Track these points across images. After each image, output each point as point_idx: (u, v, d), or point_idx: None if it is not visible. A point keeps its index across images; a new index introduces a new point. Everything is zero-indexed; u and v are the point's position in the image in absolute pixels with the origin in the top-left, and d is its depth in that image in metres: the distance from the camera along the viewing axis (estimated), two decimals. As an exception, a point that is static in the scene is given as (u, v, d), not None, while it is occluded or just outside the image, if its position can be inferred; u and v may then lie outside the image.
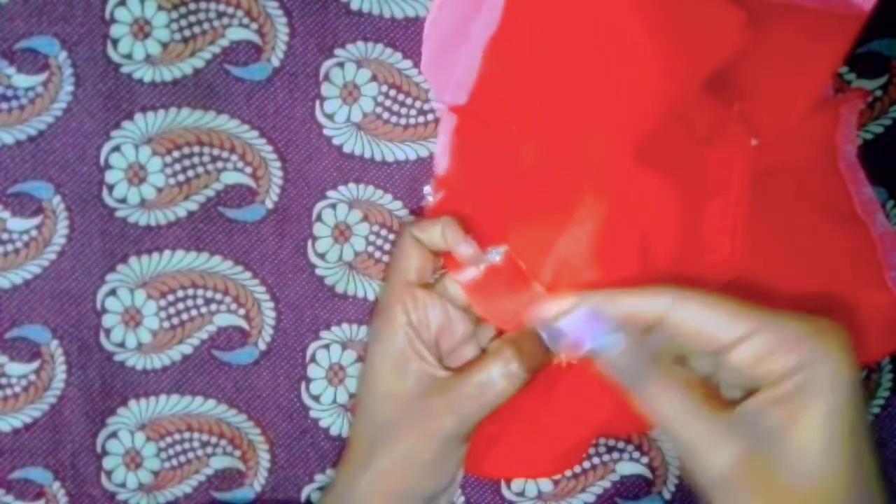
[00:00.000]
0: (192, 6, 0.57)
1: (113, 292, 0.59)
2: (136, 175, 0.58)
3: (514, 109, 0.46)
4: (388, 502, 0.41)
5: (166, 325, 0.59)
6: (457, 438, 0.41)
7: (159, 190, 0.58)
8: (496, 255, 0.42)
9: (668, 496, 0.60)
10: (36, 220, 0.58)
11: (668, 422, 0.40)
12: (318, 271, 0.59)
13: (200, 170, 0.58)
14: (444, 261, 0.46)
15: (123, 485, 0.59)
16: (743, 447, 0.38)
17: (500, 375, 0.40)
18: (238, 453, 0.60)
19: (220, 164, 0.58)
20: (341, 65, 0.58)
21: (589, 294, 0.41)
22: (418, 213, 0.42)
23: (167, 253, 0.58)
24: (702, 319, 0.40)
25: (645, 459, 0.60)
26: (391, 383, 0.42)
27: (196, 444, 0.60)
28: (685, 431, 0.39)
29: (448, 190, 0.48)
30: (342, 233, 0.59)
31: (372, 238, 0.59)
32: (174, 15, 0.57)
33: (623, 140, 0.43)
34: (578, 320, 0.40)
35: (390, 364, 0.42)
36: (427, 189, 0.42)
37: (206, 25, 0.57)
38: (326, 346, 0.59)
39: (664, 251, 0.45)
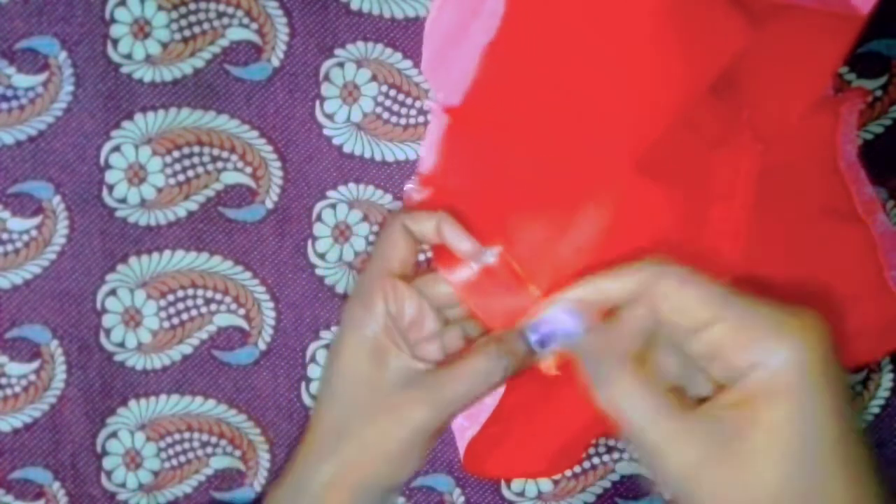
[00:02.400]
0: (192, 6, 0.57)
1: (113, 292, 0.59)
2: (136, 175, 0.58)
3: (512, 113, 0.46)
4: (350, 491, 0.40)
5: (166, 325, 0.59)
6: (429, 431, 0.40)
7: (159, 190, 0.58)
8: (491, 256, 0.42)
9: (668, 496, 0.60)
10: (36, 220, 0.58)
11: (631, 422, 0.38)
12: (318, 271, 0.59)
13: (200, 170, 0.58)
14: (434, 258, 0.46)
15: (123, 485, 0.59)
16: (700, 450, 0.36)
17: (483, 371, 0.39)
18: (238, 453, 0.60)
19: (220, 164, 0.58)
20: (341, 65, 0.58)
21: (572, 288, 0.40)
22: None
23: (167, 253, 0.58)
24: (679, 295, 0.38)
25: (645, 459, 0.60)
26: (366, 370, 0.40)
27: (196, 444, 0.59)
28: (647, 432, 0.37)
29: (434, 188, 0.48)
30: (342, 233, 0.59)
31: (372, 238, 0.59)
32: (174, 15, 0.57)
33: (625, 150, 0.43)
34: (556, 315, 0.40)
35: (366, 351, 0.41)
36: (409, 186, 0.42)
37: (206, 25, 0.57)
38: (326, 346, 0.59)
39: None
